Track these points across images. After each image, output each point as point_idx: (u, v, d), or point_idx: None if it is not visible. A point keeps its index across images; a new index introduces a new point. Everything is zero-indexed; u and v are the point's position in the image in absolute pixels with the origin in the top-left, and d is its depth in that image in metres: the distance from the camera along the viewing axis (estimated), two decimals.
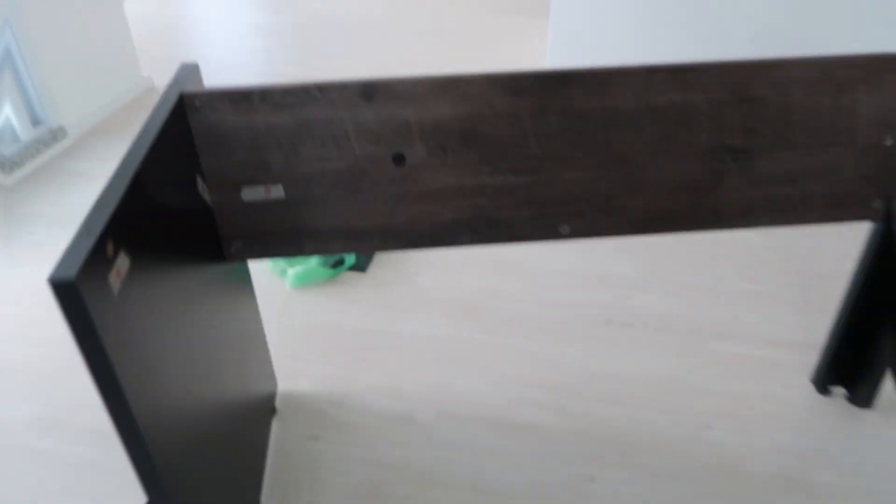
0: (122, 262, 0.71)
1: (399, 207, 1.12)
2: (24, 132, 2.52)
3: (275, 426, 1.53)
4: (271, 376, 1.58)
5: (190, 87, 0.99)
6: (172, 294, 0.90)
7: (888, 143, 1.09)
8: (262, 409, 1.49)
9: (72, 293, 0.61)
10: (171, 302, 0.89)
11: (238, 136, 1.02)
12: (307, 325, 1.81)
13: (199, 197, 1.04)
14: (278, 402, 1.59)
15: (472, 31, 4.02)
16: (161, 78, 3.36)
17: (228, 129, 1.01)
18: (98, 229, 0.67)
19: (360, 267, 2.02)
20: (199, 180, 1.04)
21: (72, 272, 0.61)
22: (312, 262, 1.95)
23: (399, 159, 1.06)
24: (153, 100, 3.20)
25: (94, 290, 0.65)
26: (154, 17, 4.40)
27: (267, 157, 1.04)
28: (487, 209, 1.13)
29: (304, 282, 1.94)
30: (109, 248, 0.69)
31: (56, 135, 2.65)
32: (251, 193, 1.08)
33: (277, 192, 1.08)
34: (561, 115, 1.03)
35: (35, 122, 2.61)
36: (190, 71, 1.04)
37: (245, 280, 1.37)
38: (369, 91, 0.99)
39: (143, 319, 0.77)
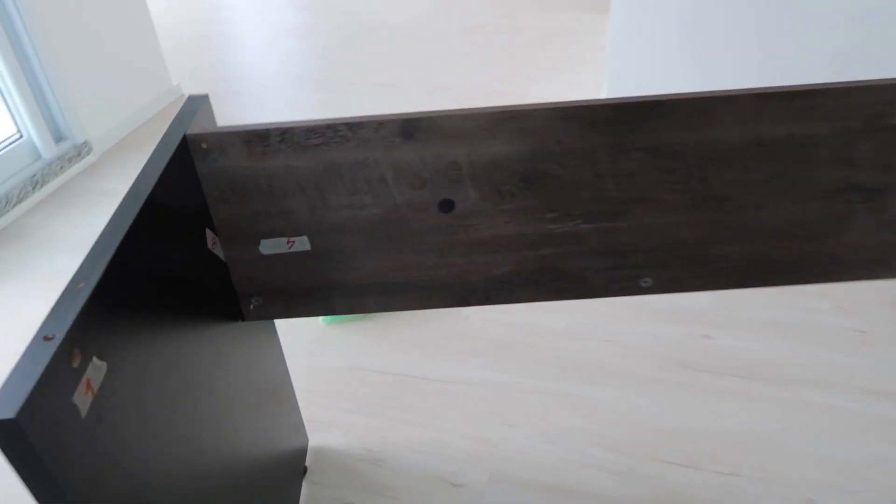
0: (95, 370, 0.57)
1: (446, 260, 0.96)
2: (47, 150, 2.45)
3: (305, 489, 1.39)
4: (300, 431, 1.44)
5: (197, 127, 0.85)
6: (173, 375, 0.76)
7: None
8: (291, 470, 1.35)
9: (12, 434, 0.47)
10: (172, 385, 0.75)
11: (254, 181, 0.87)
12: (341, 367, 1.67)
13: (210, 253, 0.90)
14: (309, 460, 1.45)
15: (524, 29, 3.83)
16: (192, 86, 3.27)
17: (242, 174, 0.86)
18: (58, 337, 0.53)
19: None
20: (210, 234, 0.90)
21: (12, 407, 0.47)
22: None
23: (446, 205, 0.90)
24: None
25: (48, 423, 0.50)
26: (183, 22, 4.34)
27: (288, 206, 0.89)
28: (553, 260, 0.96)
29: (337, 317, 1.80)
30: (76, 357, 0.54)
31: (80, 151, 2.57)
32: (271, 246, 0.94)
33: (302, 243, 0.93)
34: (647, 152, 0.86)
35: (58, 138, 2.53)
36: (197, 105, 0.90)
37: (268, 330, 1.23)
38: (409, 128, 0.83)
39: (126, 427, 0.63)
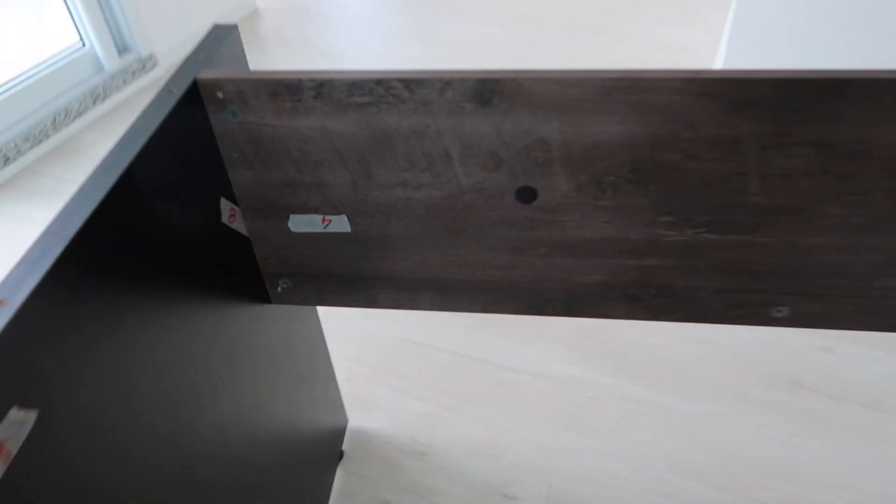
0: (13, 427, 0.43)
1: (521, 260, 0.77)
2: (110, 61, 2.36)
3: (339, 478, 1.28)
4: (339, 410, 1.32)
5: (213, 70, 0.68)
6: (167, 376, 0.62)
7: None
8: (326, 453, 1.23)
9: None
10: (164, 389, 0.61)
11: (283, 144, 0.70)
12: (394, 336, 1.53)
13: (224, 227, 0.74)
14: (347, 443, 1.33)
15: None
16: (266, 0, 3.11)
17: (268, 134, 0.69)
18: None
19: None
20: (227, 205, 0.74)
21: None
22: None
23: (527, 194, 0.71)
24: (256, 26, 2.96)
25: None
26: None
27: (325, 177, 0.72)
28: (658, 274, 0.76)
29: None
30: None
31: (145, 64, 2.47)
32: (303, 223, 0.77)
33: (340, 224, 0.76)
34: (815, 148, 0.63)
35: (122, 49, 2.44)
36: (221, 38, 0.72)
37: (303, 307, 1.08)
38: (486, 91, 0.63)
39: (81, 475, 0.49)
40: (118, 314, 0.54)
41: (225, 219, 0.73)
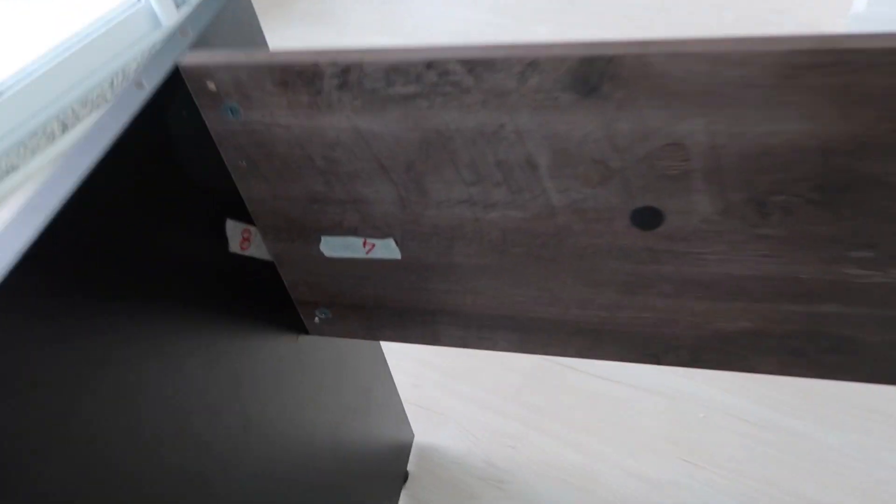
0: None
1: (635, 299, 0.56)
2: (167, 16, 2.23)
3: (403, 502, 1.13)
4: (404, 425, 1.16)
5: (199, 53, 0.49)
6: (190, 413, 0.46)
7: None
8: (388, 474, 1.08)
9: None
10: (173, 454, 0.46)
11: (302, 150, 0.51)
12: None
13: (235, 254, 0.57)
14: (413, 463, 1.18)
15: None
16: None
17: (283, 136, 0.51)
18: None
19: None
20: (236, 227, 0.56)
21: None
22: None
23: (648, 218, 0.50)
24: None
25: None
26: None
27: (362, 192, 0.53)
28: (837, 324, 0.54)
29: None
30: None
31: None
32: (338, 247, 0.59)
33: (386, 249, 0.58)
34: None
35: (180, 2, 2.30)
36: (223, 3, 0.54)
37: None
38: (593, 75, 0.42)
39: None
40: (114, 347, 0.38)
41: (235, 247, 0.56)
